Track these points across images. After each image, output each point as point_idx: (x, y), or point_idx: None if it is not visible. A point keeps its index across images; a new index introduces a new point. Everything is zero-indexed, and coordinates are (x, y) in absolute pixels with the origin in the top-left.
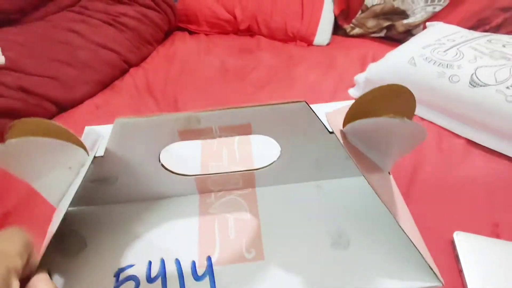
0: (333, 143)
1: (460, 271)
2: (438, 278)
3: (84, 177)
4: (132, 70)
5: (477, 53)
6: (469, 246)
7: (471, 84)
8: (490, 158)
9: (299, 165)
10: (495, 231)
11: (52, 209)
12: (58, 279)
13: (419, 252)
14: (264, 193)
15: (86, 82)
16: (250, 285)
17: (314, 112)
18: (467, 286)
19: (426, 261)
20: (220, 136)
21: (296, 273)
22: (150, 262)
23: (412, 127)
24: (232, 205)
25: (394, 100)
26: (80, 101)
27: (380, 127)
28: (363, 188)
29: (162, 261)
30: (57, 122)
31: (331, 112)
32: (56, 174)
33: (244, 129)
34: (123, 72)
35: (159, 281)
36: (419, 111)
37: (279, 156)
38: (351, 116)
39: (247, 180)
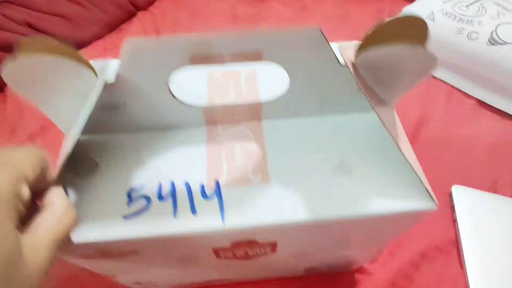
0: (343, 77)
1: (455, 220)
2: (433, 201)
3: (95, 104)
4: (140, 13)
5: (500, 8)
6: (465, 198)
7: (489, 42)
8: (498, 119)
9: (307, 99)
10: (494, 187)
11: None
12: (71, 197)
13: (419, 177)
14: (270, 125)
15: (94, 23)
16: (255, 205)
17: (327, 41)
18: (459, 233)
19: (424, 186)
20: (230, 62)
21: (299, 195)
22: (160, 184)
23: (423, 54)
24: (239, 136)
25: (408, 31)
26: (88, 42)
27: (391, 55)
28: (367, 124)
29: (172, 183)
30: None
31: (344, 45)
32: (66, 98)
33: (255, 56)
34: (131, 15)
35: (169, 199)
36: None
37: (287, 90)
38: (364, 47)
39: (254, 112)
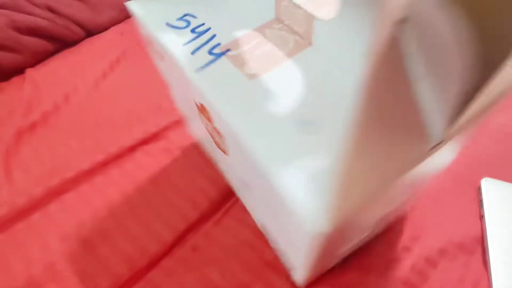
0: None
1: (482, 216)
2: None
3: None
4: None
5: None
6: (495, 192)
7: None
8: None
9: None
10: None
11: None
12: None
13: None
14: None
15: (112, 7)
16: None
17: None
18: (486, 230)
19: None
20: None
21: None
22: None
23: None
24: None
25: None
26: (106, 27)
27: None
28: None
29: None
30: (83, 46)
31: None
32: None
33: None
34: None
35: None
36: None
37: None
38: None
39: (306, 24)
